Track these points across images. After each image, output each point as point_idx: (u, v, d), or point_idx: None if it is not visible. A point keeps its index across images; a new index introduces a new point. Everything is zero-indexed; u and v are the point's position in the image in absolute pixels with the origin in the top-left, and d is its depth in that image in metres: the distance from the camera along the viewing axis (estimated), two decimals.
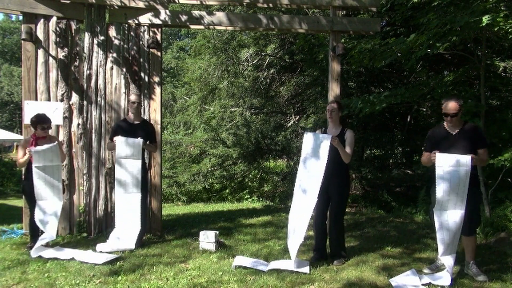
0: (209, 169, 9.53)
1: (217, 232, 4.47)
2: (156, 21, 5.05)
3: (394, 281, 3.46)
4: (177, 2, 5.34)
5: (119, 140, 4.38)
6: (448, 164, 3.44)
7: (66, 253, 4.06)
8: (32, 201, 4.24)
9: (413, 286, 3.38)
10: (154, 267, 3.73)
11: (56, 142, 4.32)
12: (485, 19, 4.31)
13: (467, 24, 4.56)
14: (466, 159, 3.37)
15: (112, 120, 5.02)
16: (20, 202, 6.50)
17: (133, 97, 4.62)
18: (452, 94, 5.71)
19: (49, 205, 4.19)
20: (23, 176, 4.57)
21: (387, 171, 9.21)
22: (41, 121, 4.18)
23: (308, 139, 3.96)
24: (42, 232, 4.19)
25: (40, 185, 4.13)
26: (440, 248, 3.50)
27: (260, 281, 3.39)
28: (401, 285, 3.39)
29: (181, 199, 9.55)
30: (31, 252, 4.06)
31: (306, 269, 3.66)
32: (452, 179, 3.43)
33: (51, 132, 4.60)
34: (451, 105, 3.53)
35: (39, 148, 4.10)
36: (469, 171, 3.37)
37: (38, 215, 4.12)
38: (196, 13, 5.18)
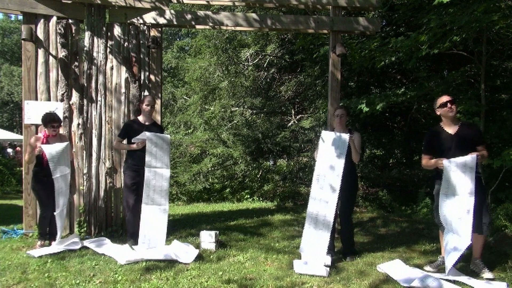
0: (210, 169, 9.52)
1: (217, 232, 4.47)
2: (161, 20, 5.05)
3: (379, 267, 3.76)
4: (180, 1, 5.33)
5: (149, 134, 4.35)
6: (457, 168, 3.48)
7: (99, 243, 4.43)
8: (41, 200, 4.38)
9: (399, 268, 3.71)
10: (154, 267, 3.73)
11: (67, 142, 4.39)
12: (496, 15, 4.37)
13: (467, 24, 4.57)
14: (472, 159, 3.42)
15: (112, 120, 5.02)
16: (20, 202, 6.50)
17: (150, 100, 4.57)
18: (452, 94, 5.71)
19: (63, 212, 4.39)
20: (27, 174, 4.67)
21: (387, 171, 9.20)
22: (51, 120, 4.27)
23: (327, 137, 4.09)
24: (54, 233, 4.40)
25: (57, 196, 4.25)
26: (448, 250, 3.54)
27: (260, 281, 3.40)
28: (387, 268, 3.69)
29: (181, 199, 9.54)
30: (49, 249, 4.21)
31: (325, 272, 3.62)
32: (460, 181, 3.48)
33: None
34: (444, 96, 3.69)
35: (50, 146, 4.19)
36: (474, 169, 3.42)
37: (58, 222, 4.30)
38: (201, 12, 5.19)
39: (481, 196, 3.58)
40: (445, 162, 3.54)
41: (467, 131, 3.63)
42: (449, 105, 3.62)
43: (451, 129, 3.67)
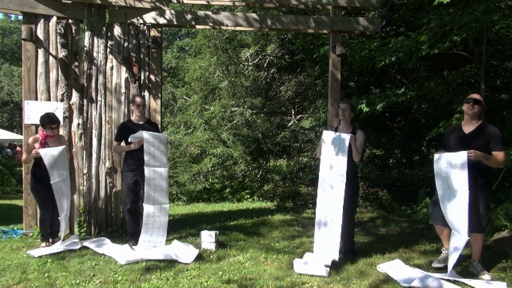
0: (210, 169, 9.52)
1: (217, 232, 4.47)
2: (161, 20, 5.04)
3: (379, 267, 3.77)
4: (180, 1, 5.32)
5: (146, 134, 4.35)
6: (444, 162, 3.48)
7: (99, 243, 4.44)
8: (41, 201, 4.37)
9: (399, 268, 3.72)
10: (154, 267, 3.73)
11: (64, 146, 4.37)
12: (496, 15, 4.37)
13: (467, 24, 4.57)
14: (461, 156, 3.37)
15: (112, 120, 5.02)
16: (20, 202, 6.50)
17: (139, 100, 4.55)
18: (452, 94, 5.72)
19: (65, 215, 4.40)
20: (26, 174, 4.66)
21: (387, 171, 9.19)
22: (50, 121, 4.26)
23: (328, 137, 4.09)
24: (55, 232, 4.48)
25: (60, 199, 4.27)
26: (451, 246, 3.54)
27: (260, 281, 3.40)
28: (387, 268, 3.69)
29: (181, 199, 9.55)
30: (52, 248, 4.23)
31: (324, 272, 3.62)
32: (448, 176, 3.46)
33: None
34: (475, 94, 3.66)
35: (47, 150, 4.18)
36: (465, 167, 3.33)
37: (63, 225, 4.36)
38: (201, 12, 5.18)
39: (485, 198, 3.54)
40: (436, 155, 3.55)
41: (482, 134, 3.52)
42: (470, 103, 3.56)
43: (467, 128, 3.62)
